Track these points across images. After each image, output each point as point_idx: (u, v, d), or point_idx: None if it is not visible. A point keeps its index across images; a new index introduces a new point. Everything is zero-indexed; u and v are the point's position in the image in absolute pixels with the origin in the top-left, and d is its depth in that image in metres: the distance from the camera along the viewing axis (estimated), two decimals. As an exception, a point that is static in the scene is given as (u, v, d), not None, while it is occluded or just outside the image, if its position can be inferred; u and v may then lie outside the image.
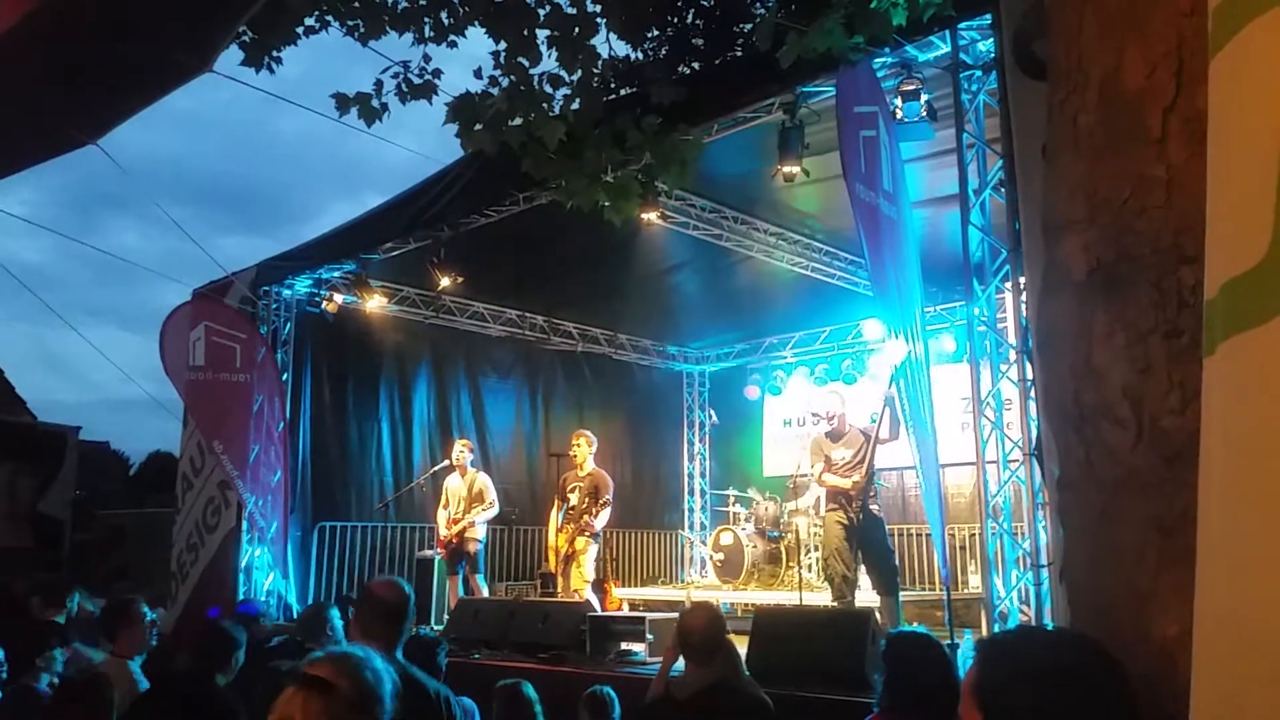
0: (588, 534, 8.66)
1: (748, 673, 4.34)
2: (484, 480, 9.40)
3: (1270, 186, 0.88)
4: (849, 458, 7.52)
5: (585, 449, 8.98)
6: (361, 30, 4.61)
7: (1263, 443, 0.89)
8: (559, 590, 8.61)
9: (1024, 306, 5.33)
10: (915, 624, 7.70)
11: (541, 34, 4.48)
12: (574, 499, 8.80)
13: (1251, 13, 0.92)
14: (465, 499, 9.22)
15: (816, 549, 9.96)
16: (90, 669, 4.43)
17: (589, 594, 8.44)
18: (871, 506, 7.34)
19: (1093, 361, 1.69)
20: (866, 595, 7.62)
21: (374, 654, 2.10)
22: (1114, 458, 1.65)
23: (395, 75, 4.72)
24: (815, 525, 9.75)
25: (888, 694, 3.47)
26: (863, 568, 7.50)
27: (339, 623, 5.30)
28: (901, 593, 7.85)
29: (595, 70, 4.62)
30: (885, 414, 6.95)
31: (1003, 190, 5.54)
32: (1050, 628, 3.74)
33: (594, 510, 8.64)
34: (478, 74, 4.63)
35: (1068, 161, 1.79)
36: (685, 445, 14.11)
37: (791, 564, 9.92)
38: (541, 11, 4.47)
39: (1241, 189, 0.93)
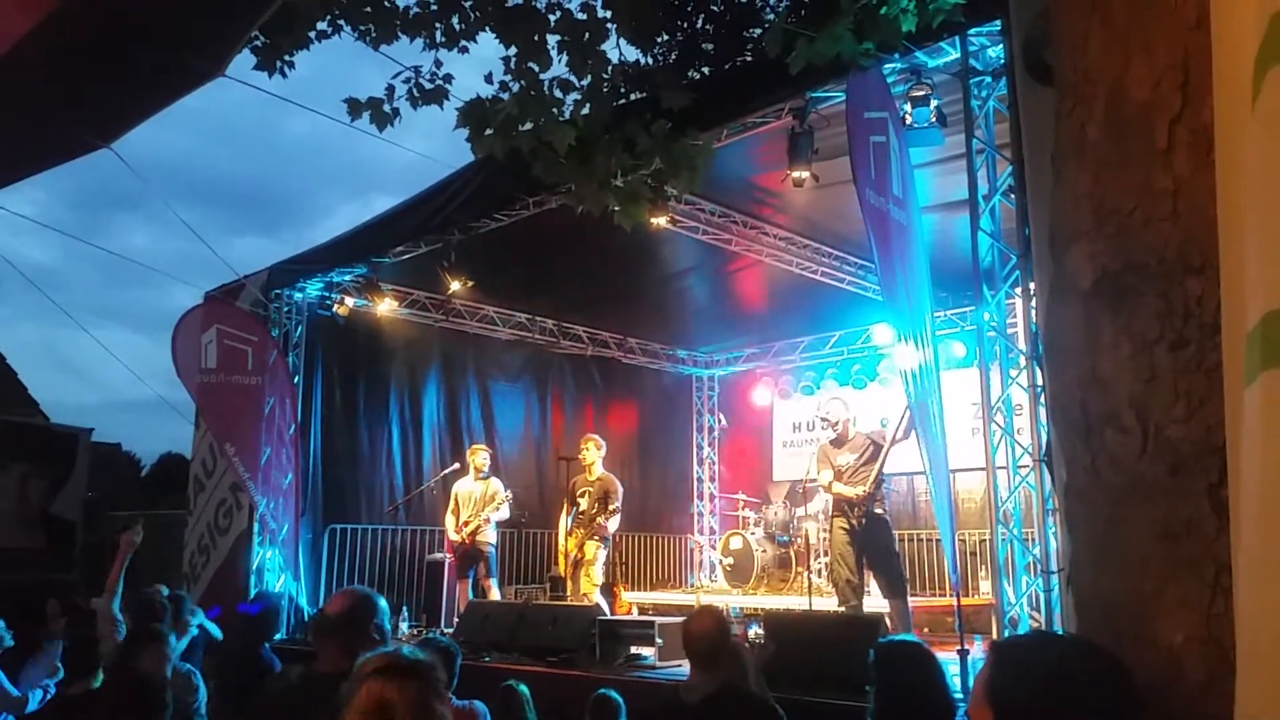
0: (597, 538, 8.68)
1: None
2: (497, 484, 9.44)
3: None
4: (853, 462, 7.51)
5: (594, 453, 9.00)
6: (373, 35, 4.63)
7: None
8: (568, 594, 8.63)
9: (1034, 312, 5.33)
10: (925, 629, 7.71)
11: (552, 39, 4.49)
12: (584, 504, 8.82)
13: None
14: (480, 503, 9.24)
15: (826, 554, 9.97)
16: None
17: (598, 598, 8.46)
18: (876, 510, 7.34)
19: (1099, 371, 1.70)
20: (879, 601, 7.61)
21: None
22: (1119, 466, 1.65)
23: (406, 80, 4.74)
24: (824, 530, 9.75)
25: (879, 704, 3.38)
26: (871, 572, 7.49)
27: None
28: (912, 598, 7.84)
29: (605, 75, 4.63)
30: (906, 415, 6.92)
31: (1013, 196, 5.54)
32: (1062, 633, 3.72)
33: (604, 515, 8.65)
34: (488, 79, 4.65)
35: (1074, 172, 1.80)
36: (695, 449, 14.11)
37: (801, 569, 9.92)
38: (552, 17, 4.48)
39: None
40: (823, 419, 8.07)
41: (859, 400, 9.75)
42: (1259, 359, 1.01)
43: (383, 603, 3.06)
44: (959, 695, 3.90)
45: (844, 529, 7.41)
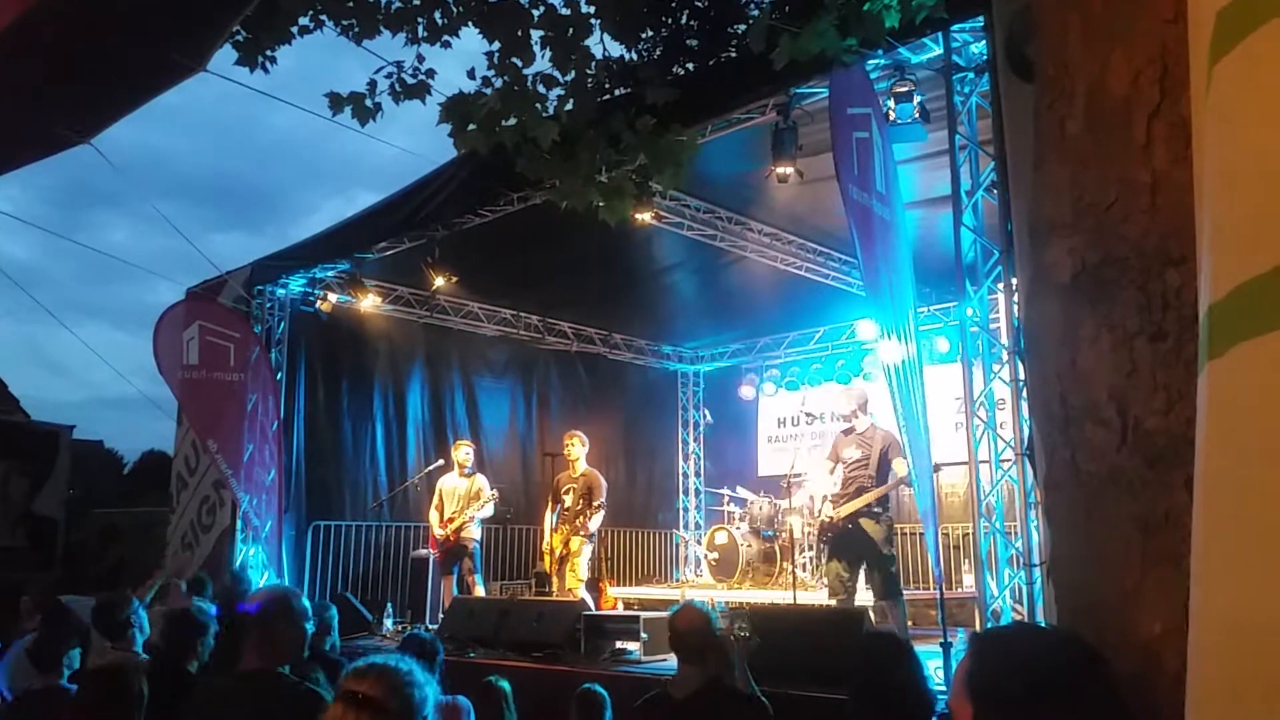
0: (582, 535, 8.68)
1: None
2: (481, 481, 9.43)
3: None
4: (858, 456, 7.45)
5: (578, 449, 9.00)
6: (355, 30, 4.61)
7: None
8: (553, 590, 8.63)
9: (1016, 307, 5.35)
10: (909, 623, 7.73)
11: (535, 34, 4.48)
12: (568, 501, 8.82)
13: (1265, 16, 0.92)
14: (465, 499, 9.23)
15: (810, 548, 9.99)
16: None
17: (583, 593, 8.46)
18: (876, 509, 7.32)
19: (1079, 364, 1.71)
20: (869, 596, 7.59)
21: (414, 664, 2.14)
22: (1099, 458, 1.66)
23: (389, 75, 4.72)
24: (809, 525, 9.76)
25: (858, 697, 3.40)
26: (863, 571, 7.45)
27: (336, 622, 5.34)
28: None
29: (589, 71, 4.62)
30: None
31: (995, 191, 5.57)
32: (1043, 625, 3.74)
33: (588, 512, 8.65)
34: (471, 74, 4.63)
35: (1054, 166, 1.81)
36: (680, 445, 14.13)
37: (785, 563, 9.95)
38: (535, 12, 4.47)
39: (1257, 191, 0.93)
40: (839, 414, 8.17)
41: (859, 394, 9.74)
42: (1205, 352, 1.01)
43: (302, 604, 3.03)
44: (940, 688, 3.92)
45: (842, 525, 7.37)
